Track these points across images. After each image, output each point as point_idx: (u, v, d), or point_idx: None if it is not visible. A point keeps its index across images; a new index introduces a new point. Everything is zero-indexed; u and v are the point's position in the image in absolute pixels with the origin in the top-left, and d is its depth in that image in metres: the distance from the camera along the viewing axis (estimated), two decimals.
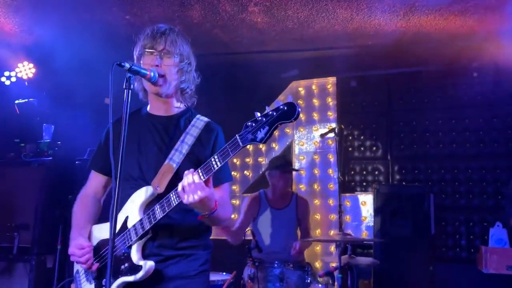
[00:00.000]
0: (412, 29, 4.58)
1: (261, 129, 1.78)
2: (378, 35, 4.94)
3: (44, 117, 5.45)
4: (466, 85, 5.33)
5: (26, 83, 5.54)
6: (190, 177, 1.86)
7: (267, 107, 1.82)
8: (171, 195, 1.97)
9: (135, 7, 4.39)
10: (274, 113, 1.78)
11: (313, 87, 5.81)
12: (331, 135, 5.15)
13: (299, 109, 1.78)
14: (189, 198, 1.86)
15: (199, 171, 1.90)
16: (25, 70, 5.51)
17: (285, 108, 1.77)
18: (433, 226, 4.86)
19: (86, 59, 4.84)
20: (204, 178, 1.88)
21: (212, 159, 1.88)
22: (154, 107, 2.29)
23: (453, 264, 5.12)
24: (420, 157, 5.48)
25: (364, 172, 5.70)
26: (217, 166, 1.87)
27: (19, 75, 5.50)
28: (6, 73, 5.50)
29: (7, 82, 5.51)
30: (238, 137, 1.83)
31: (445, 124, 5.41)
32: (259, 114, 1.82)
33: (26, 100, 5.52)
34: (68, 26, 4.58)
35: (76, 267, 2.29)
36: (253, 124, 1.80)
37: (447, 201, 5.29)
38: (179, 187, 1.90)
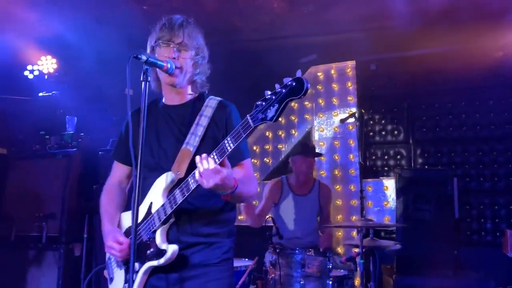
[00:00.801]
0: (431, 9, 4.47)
1: (271, 107, 1.77)
2: (397, 17, 4.84)
3: (67, 109, 5.56)
4: (490, 65, 5.19)
5: (46, 76, 5.63)
6: (205, 163, 1.87)
7: (276, 85, 1.80)
8: (189, 179, 2.00)
9: None
10: (283, 90, 1.77)
11: (332, 71, 5.75)
12: (352, 120, 5.10)
13: (308, 85, 1.74)
14: (208, 183, 1.88)
15: (213, 155, 1.91)
16: (47, 64, 5.61)
17: (293, 83, 1.75)
18: (457, 210, 4.80)
19: (105, 52, 4.90)
20: (218, 161, 1.89)
21: (225, 142, 1.89)
22: (169, 98, 2.33)
23: (478, 248, 5.06)
24: (443, 140, 5.39)
25: (386, 157, 5.65)
26: (231, 148, 1.88)
27: (41, 69, 5.61)
28: (29, 67, 5.61)
29: (30, 76, 5.62)
30: (249, 117, 1.83)
31: (468, 106, 5.30)
32: (269, 92, 1.81)
33: (49, 93, 5.63)
34: (86, 18, 4.63)
35: (108, 254, 2.35)
36: (263, 103, 1.80)
37: (472, 184, 5.21)
38: (196, 174, 1.91)
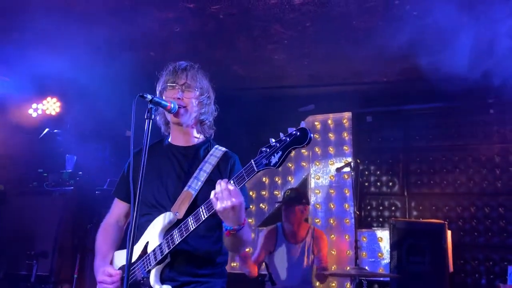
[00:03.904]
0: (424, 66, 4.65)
1: (275, 154, 1.87)
2: (391, 72, 5.04)
3: (67, 148, 5.63)
4: (483, 122, 5.34)
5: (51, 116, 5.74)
6: (223, 184, 1.93)
7: (281, 134, 1.91)
8: (189, 219, 2.04)
9: (160, 45, 4.60)
10: (287, 139, 1.87)
11: (329, 121, 5.89)
12: (347, 169, 5.16)
13: (311, 135, 1.87)
14: (223, 204, 1.91)
15: (232, 180, 1.96)
16: (51, 105, 5.73)
17: (298, 133, 1.86)
18: (452, 264, 4.78)
19: (108, 96, 5.03)
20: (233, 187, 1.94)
21: (229, 181, 1.95)
22: (175, 138, 2.40)
23: None
24: (438, 194, 5.44)
25: (381, 208, 5.67)
26: None
27: (45, 108, 5.72)
28: (34, 105, 5.73)
29: (34, 114, 5.73)
30: (253, 162, 1.91)
31: (462, 161, 5.40)
32: (273, 140, 1.91)
33: (50, 130, 5.72)
34: (92, 63, 4.79)
35: None
36: (267, 150, 1.89)
37: (466, 238, 5.21)
38: (212, 195, 1.95)
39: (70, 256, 4.83)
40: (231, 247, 2.23)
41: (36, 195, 5.23)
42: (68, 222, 4.97)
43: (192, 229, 2.02)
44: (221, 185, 1.92)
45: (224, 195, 1.91)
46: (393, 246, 4.86)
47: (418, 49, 4.40)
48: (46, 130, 5.71)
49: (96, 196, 5.06)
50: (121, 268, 2.29)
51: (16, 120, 5.66)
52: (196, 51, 4.71)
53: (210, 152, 2.32)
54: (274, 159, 1.87)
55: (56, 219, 4.93)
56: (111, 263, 2.34)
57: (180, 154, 2.34)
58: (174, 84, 2.28)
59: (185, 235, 2.04)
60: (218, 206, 1.92)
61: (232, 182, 1.95)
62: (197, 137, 2.39)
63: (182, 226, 2.05)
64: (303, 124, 1.90)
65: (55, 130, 5.79)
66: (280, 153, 1.86)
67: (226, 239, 2.11)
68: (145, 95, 2.01)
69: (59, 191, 5.17)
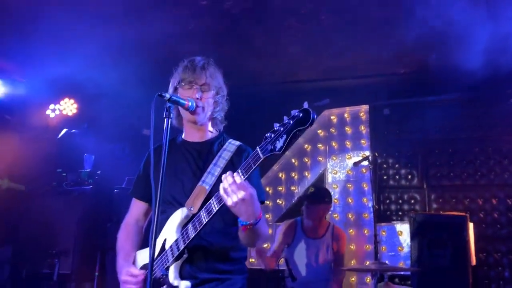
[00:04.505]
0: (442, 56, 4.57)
1: (280, 138, 1.82)
2: (409, 64, 4.96)
3: (85, 148, 5.69)
4: (503, 112, 5.22)
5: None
6: (230, 178, 1.89)
7: (284, 117, 1.86)
8: (202, 213, 2.03)
9: (174, 42, 4.60)
10: (291, 121, 1.82)
11: (346, 115, 5.83)
12: (365, 163, 5.11)
13: (314, 115, 1.80)
14: (233, 198, 1.88)
15: (239, 171, 1.92)
16: (68, 106, 5.80)
17: (300, 114, 1.80)
18: (474, 257, 4.69)
19: (124, 95, 5.06)
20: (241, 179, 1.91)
21: (235, 173, 1.91)
22: (189, 134, 2.40)
23: None
24: (458, 186, 5.35)
25: (400, 201, 5.60)
26: (241, 179, 1.89)
27: (62, 109, 5.79)
28: (51, 106, 5.79)
29: (52, 115, 5.80)
30: (258, 149, 1.88)
31: (482, 152, 5.29)
32: (277, 124, 1.86)
33: (68, 131, 5.80)
34: (108, 63, 4.81)
35: None
36: (272, 135, 1.85)
37: (488, 231, 5.12)
38: (221, 190, 1.92)
39: (91, 254, 4.88)
40: (247, 241, 2.18)
41: (56, 195, 5.31)
42: (87, 221, 5.02)
43: (205, 222, 2.00)
44: (227, 179, 1.89)
45: (232, 189, 1.87)
46: (413, 239, 4.79)
47: (436, 40, 4.33)
48: (64, 130, 5.78)
49: (114, 195, 5.11)
50: (143, 267, 2.30)
51: (34, 121, 5.74)
52: (211, 48, 4.70)
53: (224, 147, 2.31)
54: (279, 144, 1.81)
55: (76, 218, 4.99)
56: (134, 262, 2.35)
57: (194, 150, 2.34)
58: (192, 84, 2.27)
59: (199, 228, 2.03)
60: (229, 201, 1.89)
61: (239, 172, 1.90)
62: (211, 131, 2.40)
63: (196, 220, 2.05)
64: (306, 105, 1.83)
65: (73, 130, 5.85)
66: (284, 136, 1.80)
67: (242, 234, 2.08)
68: (163, 94, 2.00)
69: (78, 191, 5.23)
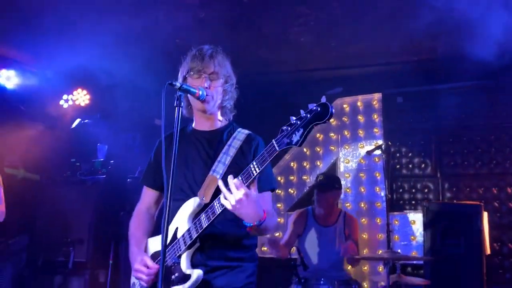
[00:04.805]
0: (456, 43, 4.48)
1: (296, 132, 1.81)
2: (422, 51, 4.88)
3: (98, 137, 5.74)
4: None
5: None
6: (231, 182, 1.92)
7: (301, 111, 1.84)
8: (215, 203, 2.04)
9: (185, 31, 4.59)
10: (308, 115, 1.81)
11: (358, 103, 5.78)
12: (378, 152, 5.07)
13: (333, 110, 1.79)
14: (231, 201, 1.91)
15: (240, 177, 1.95)
16: (81, 97, 5.84)
17: (318, 109, 1.79)
18: (489, 246, 4.65)
19: (136, 85, 5.08)
20: (245, 183, 1.93)
21: (251, 165, 1.93)
22: (199, 123, 2.40)
23: (511, 287, 4.86)
24: (472, 175, 5.29)
25: (413, 190, 5.56)
26: (256, 172, 1.92)
27: (75, 99, 5.83)
28: (65, 97, 5.84)
29: (65, 105, 5.85)
30: (274, 142, 1.87)
31: (498, 140, 5.22)
32: (294, 118, 1.85)
33: (81, 121, 5.85)
34: (119, 52, 4.82)
35: (133, 279, 2.37)
36: (288, 128, 1.84)
37: (503, 220, 5.06)
38: (221, 196, 1.96)
39: (105, 243, 4.94)
40: (258, 235, 2.23)
41: (70, 184, 5.38)
42: (101, 209, 5.08)
43: (218, 212, 2.02)
44: (224, 186, 1.94)
45: (228, 194, 1.92)
46: (427, 229, 4.76)
47: (449, 27, 4.25)
48: (78, 120, 5.83)
49: (127, 184, 5.15)
50: (154, 255, 2.31)
51: (48, 112, 5.80)
52: (222, 37, 4.67)
53: (233, 135, 2.31)
54: (295, 137, 1.80)
55: (90, 207, 5.06)
56: (145, 250, 2.37)
57: (204, 139, 2.34)
58: (200, 73, 2.27)
59: (212, 218, 2.04)
60: (229, 205, 1.93)
61: (240, 178, 1.94)
62: (220, 120, 2.39)
63: (209, 210, 2.06)
64: (323, 99, 1.81)
65: (86, 121, 5.90)
66: (302, 130, 1.80)
67: (250, 232, 2.10)
68: (174, 83, 2.00)
69: (91, 180, 5.29)
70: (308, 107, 1.83)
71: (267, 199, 2.24)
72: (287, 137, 1.83)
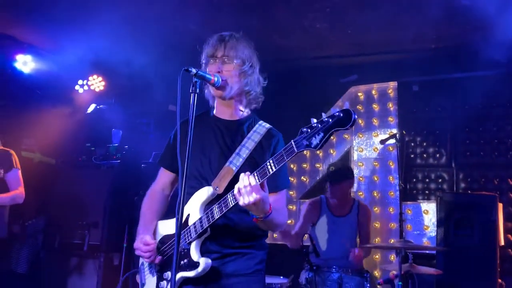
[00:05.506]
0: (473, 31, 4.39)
1: (316, 136, 1.80)
2: (438, 39, 4.80)
3: (112, 123, 5.79)
4: None
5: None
6: (246, 180, 1.92)
7: (323, 114, 1.82)
8: (229, 196, 2.04)
9: (199, 17, 4.58)
10: (330, 120, 1.78)
11: (373, 92, 5.72)
12: (392, 141, 5.02)
13: (355, 116, 1.76)
14: (245, 200, 1.92)
15: (255, 174, 1.95)
16: (96, 83, 5.88)
17: (341, 115, 1.76)
18: (503, 237, 4.61)
19: (151, 71, 5.09)
20: (259, 181, 1.94)
21: (268, 163, 1.93)
22: (220, 111, 2.38)
23: None
24: (488, 165, 5.23)
25: (427, 180, 5.52)
26: (272, 170, 1.91)
27: (90, 84, 5.88)
28: (80, 82, 5.89)
29: (80, 90, 5.90)
30: (293, 143, 1.86)
31: None
32: (315, 120, 1.83)
33: (96, 106, 5.90)
34: (133, 37, 4.83)
35: (141, 259, 2.42)
36: (308, 130, 1.83)
37: None
38: (235, 189, 1.96)
39: (119, 226, 5.02)
40: (265, 228, 2.23)
41: (85, 168, 5.45)
42: (116, 194, 5.14)
43: (231, 206, 2.03)
44: (243, 180, 1.92)
45: (246, 191, 1.91)
46: (440, 219, 4.73)
47: (467, 14, 4.17)
48: (93, 105, 5.88)
49: (141, 169, 5.20)
50: (164, 238, 2.34)
51: (64, 97, 5.86)
52: (235, 22, 4.63)
53: (254, 129, 2.28)
54: (315, 141, 1.79)
55: (104, 191, 5.11)
56: (154, 232, 2.40)
57: (224, 127, 2.33)
58: (214, 58, 2.26)
59: (224, 211, 2.06)
60: (241, 201, 1.93)
61: (255, 175, 1.93)
62: (242, 110, 2.35)
63: (222, 202, 2.07)
64: (347, 105, 1.80)
65: (101, 106, 5.95)
66: (322, 134, 1.78)
67: (257, 223, 2.12)
68: (189, 69, 1.99)
69: (106, 165, 5.35)
70: (331, 112, 1.80)
71: (282, 198, 2.25)
72: (306, 139, 1.82)
